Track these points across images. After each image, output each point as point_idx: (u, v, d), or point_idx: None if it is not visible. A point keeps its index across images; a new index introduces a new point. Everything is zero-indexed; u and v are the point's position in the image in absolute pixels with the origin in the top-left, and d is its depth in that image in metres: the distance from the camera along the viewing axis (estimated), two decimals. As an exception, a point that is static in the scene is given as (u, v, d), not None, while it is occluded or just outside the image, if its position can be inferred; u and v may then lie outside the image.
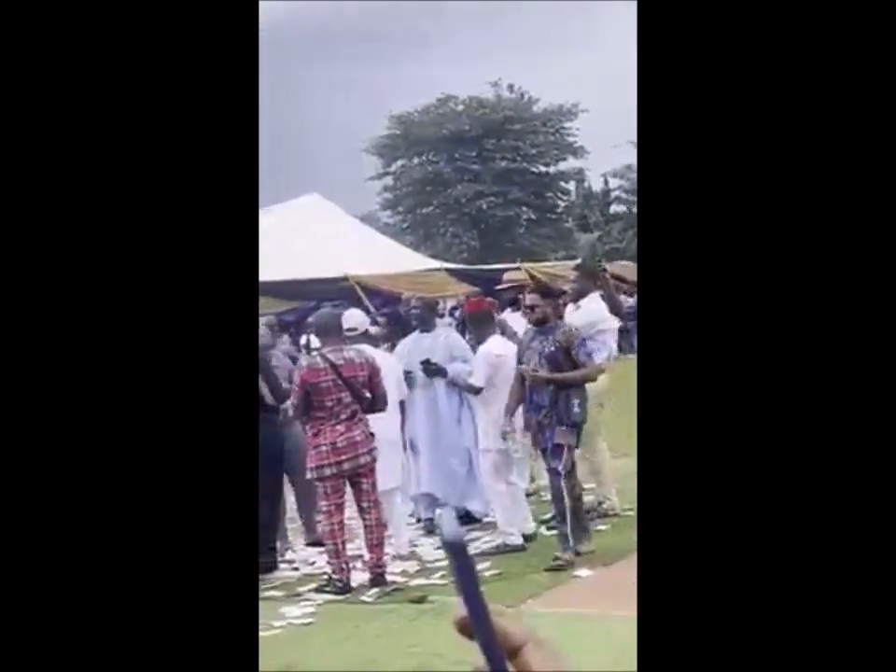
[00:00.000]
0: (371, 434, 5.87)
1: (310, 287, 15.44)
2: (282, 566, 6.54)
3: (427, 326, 7.18)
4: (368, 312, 9.60)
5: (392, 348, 7.61)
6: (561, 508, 5.94)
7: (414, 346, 7.04)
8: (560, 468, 5.88)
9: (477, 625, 0.65)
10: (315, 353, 6.01)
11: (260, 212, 22.06)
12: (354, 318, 6.75)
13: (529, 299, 6.44)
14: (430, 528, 7.03)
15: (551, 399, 5.92)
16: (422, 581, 6.22)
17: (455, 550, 0.65)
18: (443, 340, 7.09)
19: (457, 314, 8.90)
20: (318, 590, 6.01)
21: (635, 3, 2.05)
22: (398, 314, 9.38)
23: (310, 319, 7.29)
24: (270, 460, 6.10)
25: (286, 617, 5.74)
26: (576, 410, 5.87)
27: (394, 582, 6.13)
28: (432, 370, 6.76)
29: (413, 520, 7.29)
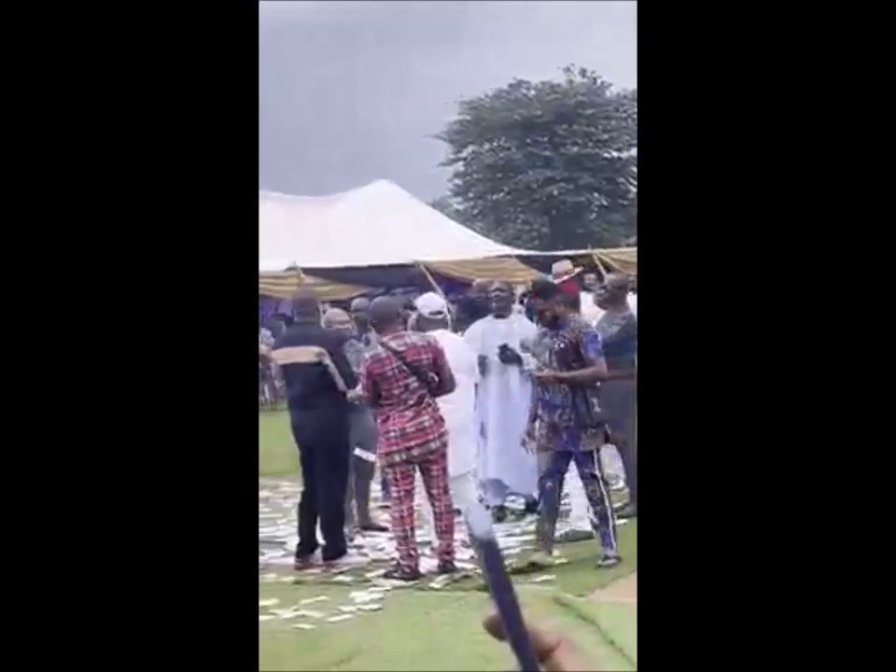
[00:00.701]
0: (441, 419, 5.85)
1: (379, 273, 15.56)
2: (351, 551, 6.53)
3: (504, 312, 7.15)
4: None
5: (462, 334, 7.60)
6: (602, 510, 5.94)
7: (490, 331, 7.02)
8: (596, 471, 5.87)
9: (508, 624, 0.64)
10: (379, 339, 6.05)
11: (330, 199, 22.24)
12: (435, 302, 6.80)
13: (533, 303, 6.42)
14: (499, 515, 6.99)
15: (564, 400, 5.88)
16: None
17: (485, 547, 0.63)
18: (518, 326, 7.05)
19: (526, 300, 8.81)
20: (387, 576, 6.03)
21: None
22: (468, 300, 9.36)
23: (369, 307, 7.37)
24: (336, 445, 6.18)
25: (355, 602, 5.77)
26: (597, 410, 5.84)
27: (463, 569, 6.10)
28: (509, 355, 6.69)
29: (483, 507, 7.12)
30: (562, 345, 5.90)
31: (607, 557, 5.93)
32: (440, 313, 6.73)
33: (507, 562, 5.78)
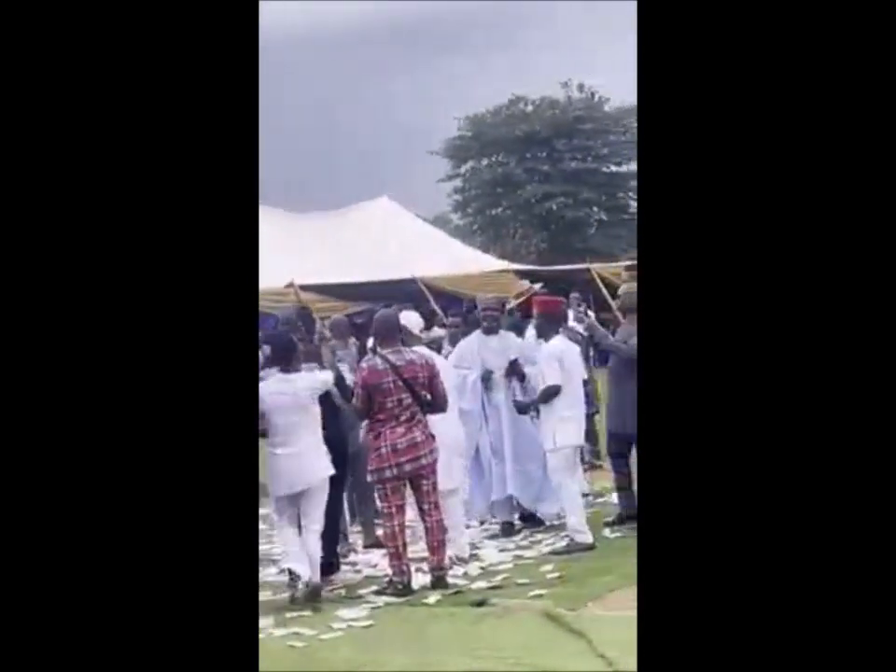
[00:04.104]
0: (432, 436, 5.85)
1: (378, 288, 15.64)
2: (344, 567, 6.49)
3: (494, 327, 7.24)
4: (434, 313, 9.62)
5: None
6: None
7: (483, 347, 7.08)
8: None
9: None
10: (375, 354, 6.09)
11: (330, 214, 22.17)
12: (415, 320, 6.81)
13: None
14: (507, 531, 7.10)
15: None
16: (483, 583, 6.21)
17: None
18: (512, 340, 7.14)
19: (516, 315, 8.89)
20: (379, 592, 5.98)
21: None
22: (466, 314, 9.37)
23: (367, 320, 7.46)
24: (333, 462, 6.15)
25: (344, 619, 5.72)
26: None
27: (455, 585, 6.07)
28: (518, 370, 6.84)
29: (476, 522, 7.34)
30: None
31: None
32: (422, 331, 6.71)
33: (501, 576, 6.20)
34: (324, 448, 6.03)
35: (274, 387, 5.77)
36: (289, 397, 5.91)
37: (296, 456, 5.94)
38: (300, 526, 6.20)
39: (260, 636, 5.44)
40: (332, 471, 6.02)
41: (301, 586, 5.82)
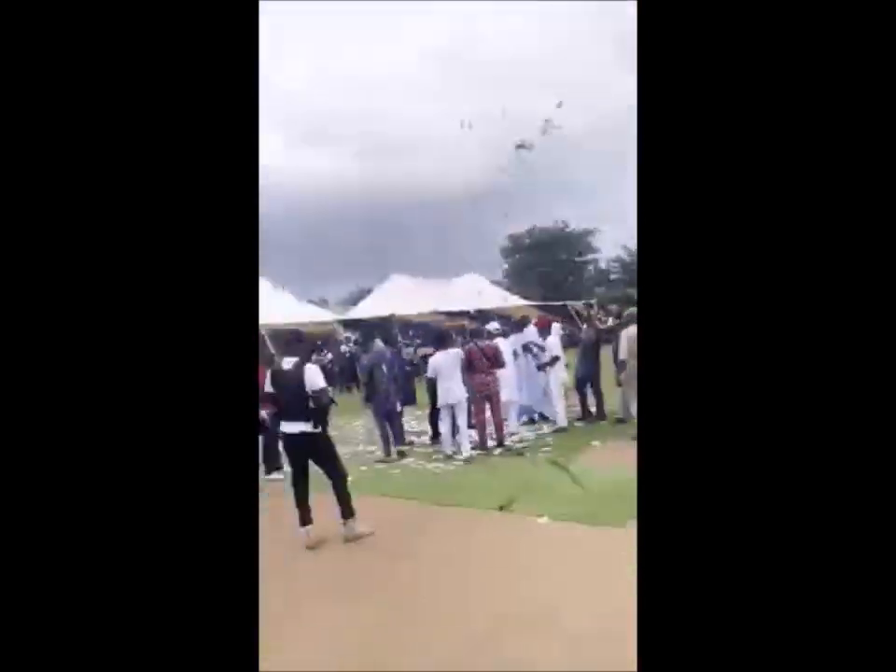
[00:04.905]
0: (497, 378, 10.26)
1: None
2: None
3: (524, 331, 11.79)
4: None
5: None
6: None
7: (518, 340, 11.58)
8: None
9: None
10: (472, 342, 10.57)
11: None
12: (493, 325, 11.90)
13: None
14: (530, 422, 11.75)
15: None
16: (520, 445, 10.16)
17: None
18: (529, 333, 11.58)
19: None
20: (473, 448, 9.98)
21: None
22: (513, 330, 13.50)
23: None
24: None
25: (457, 460, 9.46)
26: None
27: (507, 446, 10.12)
28: (529, 349, 11.35)
29: (515, 418, 11.44)
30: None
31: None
32: (497, 329, 11.85)
33: (527, 443, 10.22)
34: (461, 384, 10.03)
35: (443, 356, 9.99)
36: (450, 359, 10.04)
37: (452, 388, 10.05)
38: (454, 423, 10.13)
39: (416, 468, 9.50)
40: (467, 395, 10.01)
41: (464, 453, 9.71)
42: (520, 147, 8.75)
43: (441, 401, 10.15)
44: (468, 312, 23.90)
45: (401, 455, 10.51)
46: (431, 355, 10.38)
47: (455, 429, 10.20)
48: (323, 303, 40.72)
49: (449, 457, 9.96)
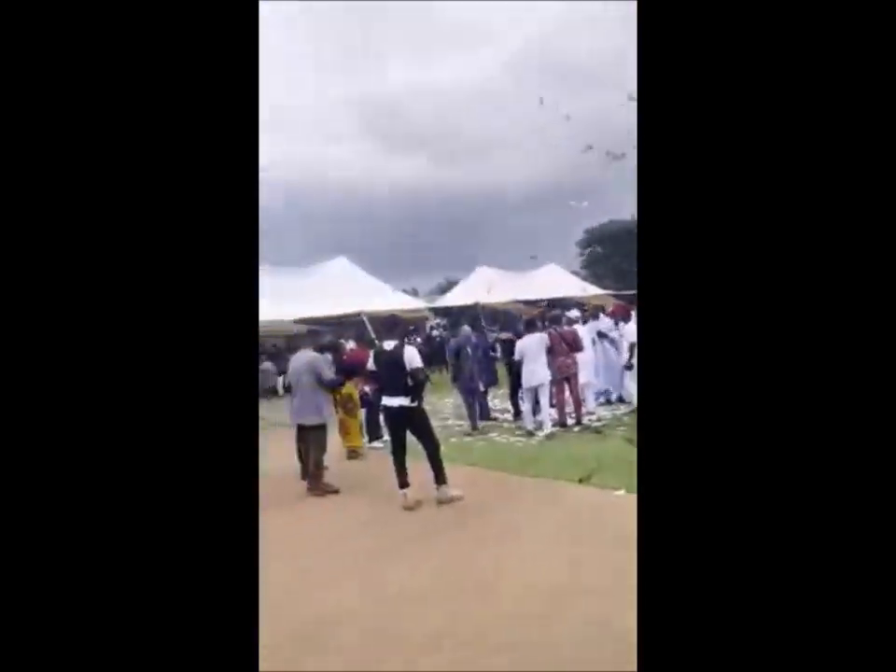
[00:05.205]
0: (576, 360, 11.12)
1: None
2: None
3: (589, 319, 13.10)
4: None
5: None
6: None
7: (592, 329, 12.72)
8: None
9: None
10: (553, 328, 11.22)
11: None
12: (573, 312, 12.86)
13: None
14: (603, 402, 12.59)
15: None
16: (598, 424, 10.87)
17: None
18: (602, 323, 12.81)
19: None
20: (554, 425, 10.73)
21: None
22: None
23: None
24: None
25: (539, 436, 10.21)
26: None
27: (584, 424, 10.82)
28: (603, 335, 12.68)
29: (593, 398, 12.26)
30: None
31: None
32: (576, 317, 12.79)
33: (605, 421, 10.97)
34: (545, 366, 10.71)
35: (529, 340, 10.71)
36: (535, 343, 10.72)
37: (537, 370, 10.74)
38: (537, 402, 10.83)
39: (501, 441, 10.28)
40: (550, 377, 10.71)
41: (545, 429, 10.42)
42: (609, 154, 9.56)
43: (525, 383, 10.84)
44: (546, 300, 24.91)
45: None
46: (510, 339, 11.25)
47: (536, 408, 10.95)
48: (414, 293, 42.46)
49: (530, 433, 10.69)
